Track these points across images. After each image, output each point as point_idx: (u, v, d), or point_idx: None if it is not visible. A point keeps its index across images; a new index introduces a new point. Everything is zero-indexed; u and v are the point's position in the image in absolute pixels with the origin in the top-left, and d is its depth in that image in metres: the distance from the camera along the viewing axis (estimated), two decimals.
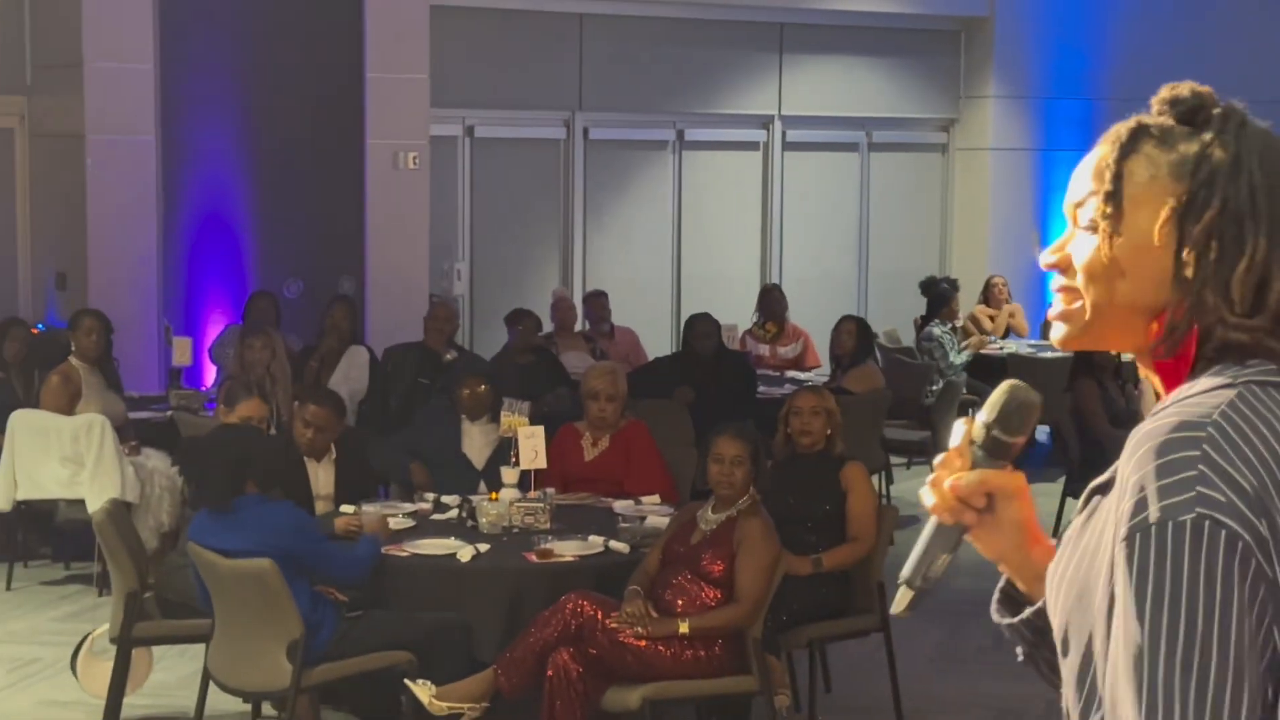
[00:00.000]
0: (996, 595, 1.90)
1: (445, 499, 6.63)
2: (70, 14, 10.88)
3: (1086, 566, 1.66)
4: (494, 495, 6.35)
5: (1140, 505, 1.56)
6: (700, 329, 9.73)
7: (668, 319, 13.49)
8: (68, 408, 8.25)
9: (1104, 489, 1.68)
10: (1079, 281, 1.76)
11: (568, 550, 5.86)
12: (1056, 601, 1.71)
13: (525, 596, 5.66)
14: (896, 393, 10.03)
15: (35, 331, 10.25)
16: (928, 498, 1.83)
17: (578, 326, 11.58)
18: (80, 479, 7.97)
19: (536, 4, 13.07)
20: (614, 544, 5.93)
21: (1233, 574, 1.52)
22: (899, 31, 14.69)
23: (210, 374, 10.44)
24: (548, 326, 11.07)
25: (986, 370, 11.66)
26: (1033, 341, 12.51)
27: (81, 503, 7.86)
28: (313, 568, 5.47)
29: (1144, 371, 1.78)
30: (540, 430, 6.47)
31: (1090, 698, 1.67)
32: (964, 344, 11.82)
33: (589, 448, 7.04)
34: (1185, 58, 12.87)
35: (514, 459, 6.45)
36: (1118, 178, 1.73)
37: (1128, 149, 1.74)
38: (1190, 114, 1.75)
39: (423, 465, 7.23)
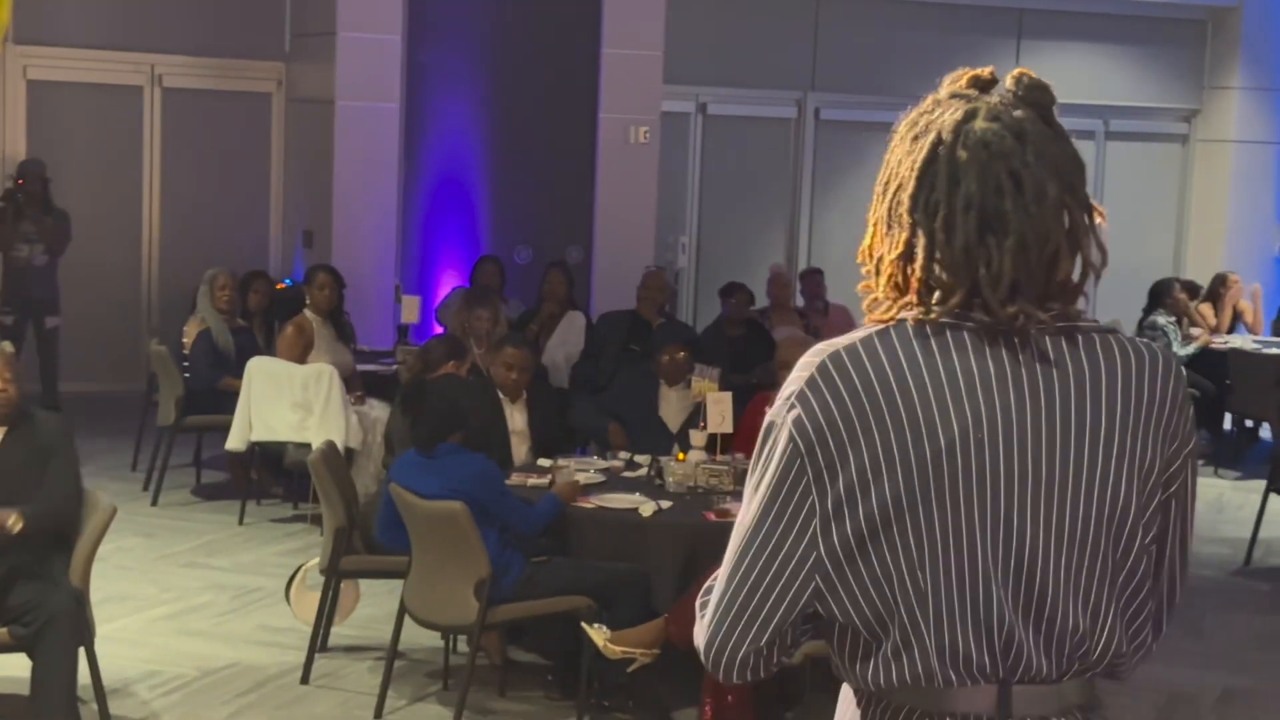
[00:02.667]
0: None
1: (638, 458, 6.93)
2: None
3: None
4: (681, 456, 6.63)
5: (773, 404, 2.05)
6: None
7: None
8: (300, 357, 8.76)
9: None
10: None
11: None
12: None
13: (701, 552, 5.91)
14: None
15: (281, 286, 10.86)
16: None
17: (796, 303, 11.78)
18: (308, 424, 8.46)
19: None
20: None
21: (790, 469, 1.99)
22: (1142, 19, 14.51)
23: (437, 333, 10.91)
24: (765, 302, 11.29)
25: (1209, 365, 11.53)
26: (1259, 338, 12.29)
27: (309, 446, 8.32)
28: (495, 515, 5.79)
29: None
30: (728, 396, 6.72)
31: None
32: (1190, 335, 11.68)
33: None
34: None
35: (702, 423, 6.72)
36: None
37: None
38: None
39: (620, 426, 7.56)
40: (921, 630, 1.96)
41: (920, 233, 2.00)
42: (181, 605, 7.27)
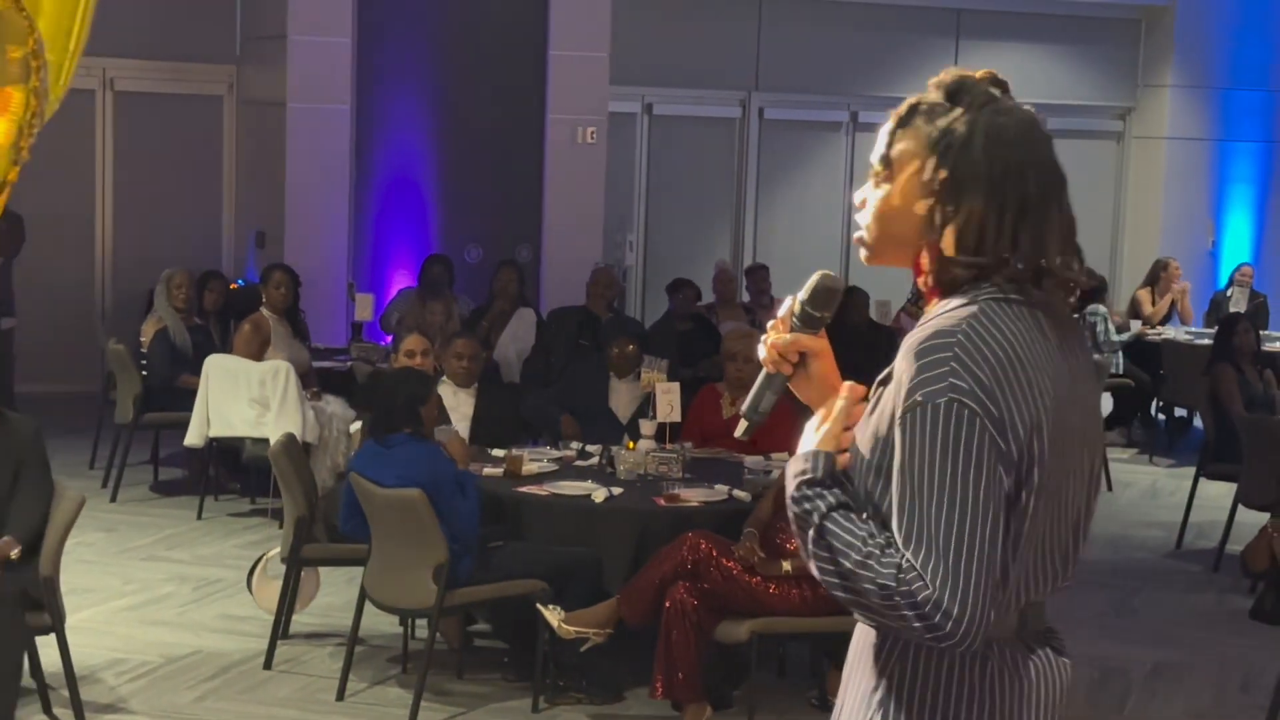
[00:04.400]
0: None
1: (589, 448, 7.15)
2: None
3: (872, 439, 2.24)
4: (631, 445, 6.85)
5: (910, 392, 2.15)
6: (850, 301, 10.13)
7: None
8: (257, 354, 8.93)
9: (885, 381, 2.25)
10: (869, 219, 2.34)
11: (694, 496, 6.33)
12: (856, 463, 2.28)
13: (651, 536, 6.13)
14: None
15: (234, 286, 11.02)
16: (760, 351, 2.40)
17: (742, 299, 12.02)
18: (265, 420, 8.62)
19: None
20: (737, 493, 6.40)
21: (973, 440, 2.12)
22: (1078, 19, 14.82)
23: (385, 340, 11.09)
24: (711, 297, 11.52)
25: (1143, 355, 11.86)
26: (1191, 329, 12.62)
27: (266, 442, 8.46)
28: (439, 508, 5.94)
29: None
30: (676, 386, 6.95)
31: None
32: (1128, 331, 12.01)
33: (727, 406, 7.49)
34: None
35: (651, 412, 6.95)
36: (889, 144, 2.31)
37: (903, 121, 2.30)
38: (953, 94, 2.29)
39: (572, 418, 7.78)
40: (1010, 573, 2.20)
41: (1038, 214, 2.22)
42: (144, 596, 7.43)
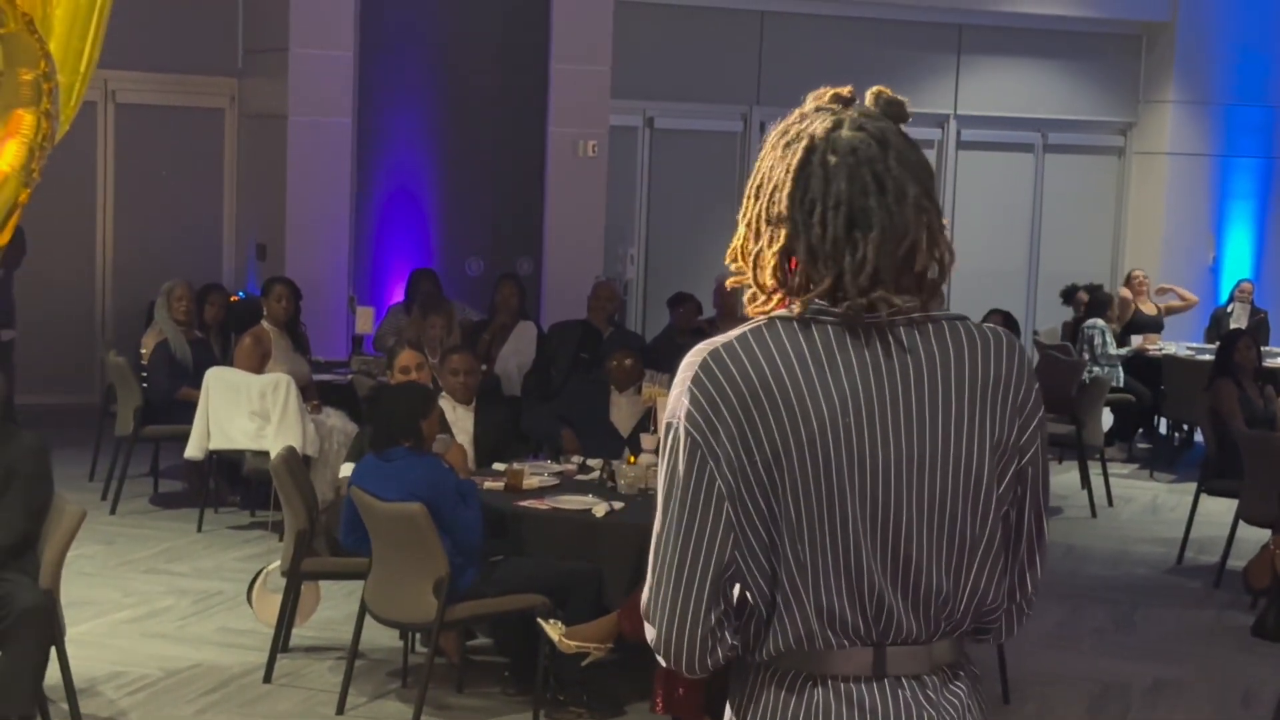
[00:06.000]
0: None
1: (590, 462, 7.14)
2: (279, 2, 11.64)
3: None
4: (632, 459, 6.84)
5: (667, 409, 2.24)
6: None
7: None
8: (258, 367, 8.92)
9: None
10: None
11: None
12: None
13: None
14: (1045, 387, 10.25)
15: (235, 299, 11.01)
16: None
17: (743, 313, 12.00)
18: (266, 433, 8.62)
19: (718, 1, 13.53)
20: None
21: (693, 464, 2.17)
22: (1078, 35, 14.84)
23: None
24: (712, 311, 11.51)
25: (1144, 370, 11.86)
26: (1192, 345, 12.62)
27: (267, 454, 8.46)
28: (442, 520, 5.94)
29: None
30: None
31: None
32: (1129, 345, 12.03)
33: None
34: None
35: (653, 426, 6.94)
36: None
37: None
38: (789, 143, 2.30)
39: (573, 432, 7.77)
40: (802, 596, 2.17)
41: (799, 228, 2.20)
42: (144, 609, 7.42)
